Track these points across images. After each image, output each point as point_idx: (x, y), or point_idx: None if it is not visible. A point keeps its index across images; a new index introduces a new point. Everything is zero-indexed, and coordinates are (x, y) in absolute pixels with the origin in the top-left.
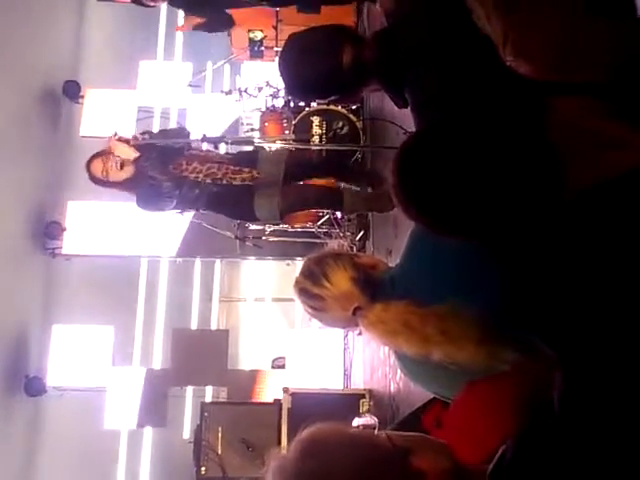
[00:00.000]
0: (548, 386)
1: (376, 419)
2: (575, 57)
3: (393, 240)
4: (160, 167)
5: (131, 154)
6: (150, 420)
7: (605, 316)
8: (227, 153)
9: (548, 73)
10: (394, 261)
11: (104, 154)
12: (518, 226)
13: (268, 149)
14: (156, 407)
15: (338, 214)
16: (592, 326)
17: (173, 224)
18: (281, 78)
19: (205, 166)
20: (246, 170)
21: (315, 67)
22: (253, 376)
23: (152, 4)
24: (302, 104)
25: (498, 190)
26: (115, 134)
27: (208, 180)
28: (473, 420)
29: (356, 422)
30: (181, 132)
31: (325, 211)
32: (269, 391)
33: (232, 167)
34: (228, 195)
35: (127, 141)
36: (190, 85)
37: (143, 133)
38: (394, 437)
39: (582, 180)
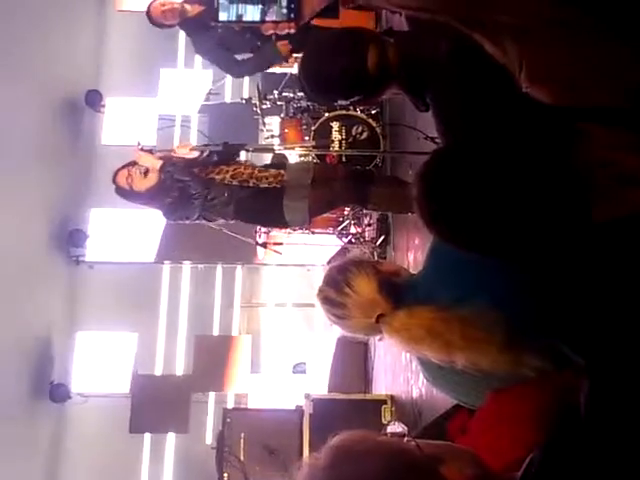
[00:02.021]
0: (574, 393)
1: (405, 427)
2: (589, 81)
3: (414, 245)
4: (186, 169)
5: (156, 163)
6: (172, 426)
7: (630, 325)
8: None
9: (564, 98)
10: (416, 267)
11: (130, 165)
12: (539, 247)
13: (295, 159)
14: (179, 413)
15: (359, 219)
16: (618, 334)
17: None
18: (303, 78)
19: (231, 167)
20: (273, 171)
21: (339, 66)
22: (274, 381)
23: (167, 23)
24: (322, 108)
25: (521, 214)
26: (138, 144)
27: (235, 182)
28: (497, 429)
29: (385, 430)
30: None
31: (346, 214)
32: (291, 397)
33: (259, 167)
34: (257, 199)
35: (150, 151)
36: (210, 93)
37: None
38: (424, 446)
39: (603, 211)
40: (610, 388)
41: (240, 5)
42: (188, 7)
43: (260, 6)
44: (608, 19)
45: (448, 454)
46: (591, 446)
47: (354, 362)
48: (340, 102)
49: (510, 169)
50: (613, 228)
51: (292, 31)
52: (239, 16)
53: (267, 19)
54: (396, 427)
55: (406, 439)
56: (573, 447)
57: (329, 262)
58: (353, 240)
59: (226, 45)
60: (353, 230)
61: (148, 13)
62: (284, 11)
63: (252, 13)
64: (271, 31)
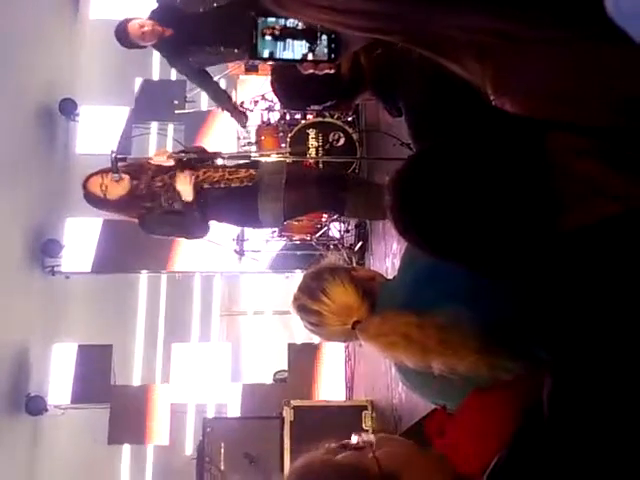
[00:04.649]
0: (540, 391)
1: (370, 438)
2: (554, 92)
3: (392, 251)
4: (155, 179)
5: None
6: (151, 437)
7: (594, 323)
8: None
9: (534, 110)
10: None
11: (103, 171)
12: (512, 254)
13: (268, 162)
14: (158, 423)
15: (336, 225)
16: (581, 332)
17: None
18: (276, 83)
19: (201, 171)
20: (243, 171)
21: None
22: (254, 390)
23: (142, 45)
24: (298, 116)
25: (492, 222)
26: (112, 152)
27: (206, 185)
28: (476, 429)
29: (349, 441)
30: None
31: (324, 221)
32: (270, 405)
33: (229, 168)
34: (230, 200)
35: (124, 159)
36: (186, 101)
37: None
38: (383, 459)
39: (571, 220)
40: (572, 384)
41: (287, 42)
42: (159, 28)
43: (306, 43)
44: (571, 31)
45: (410, 466)
46: (553, 442)
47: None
48: (313, 107)
49: (481, 177)
50: (581, 236)
51: (332, 71)
52: (282, 53)
53: (307, 58)
54: (361, 437)
55: (365, 449)
56: (536, 444)
57: (305, 269)
58: (331, 246)
59: (203, 64)
60: (332, 233)
61: (123, 32)
62: (325, 50)
63: (298, 50)
64: (310, 70)
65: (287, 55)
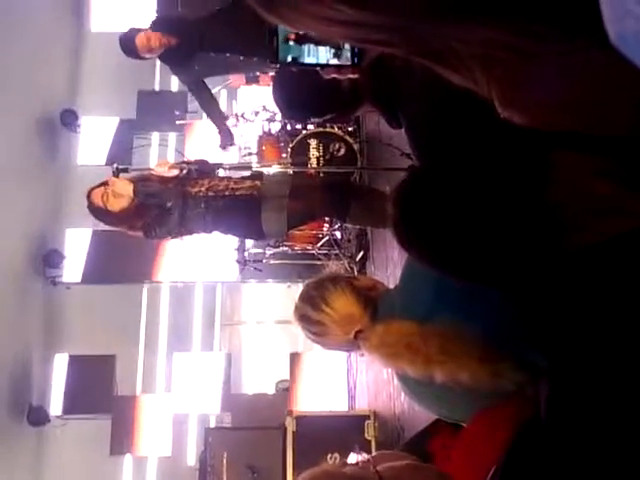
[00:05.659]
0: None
1: (366, 455)
2: (578, 105)
3: (393, 261)
4: (159, 186)
5: (129, 189)
6: (154, 448)
7: (591, 331)
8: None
9: (544, 122)
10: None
11: (106, 183)
12: (513, 269)
13: (271, 173)
14: (160, 434)
15: (337, 234)
16: (579, 340)
17: (171, 249)
18: (277, 96)
19: (206, 180)
20: (248, 182)
21: (313, 84)
22: (257, 400)
23: (148, 56)
24: (299, 127)
25: (494, 239)
26: (114, 165)
27: (211, 194)
28: (478, 448)
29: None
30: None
31: (325, 231)
32: (273, 415)
33: (234, 179)
34: (234, 210)
35: (126, 169)
36: (187, 112)
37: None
38: (384, 471)
39: (576, 240)
40: (570, 388)
41: (311, 47)
42: (165, 40)
43: (331, 49)
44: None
45: (410, 476)
46: (550, 446)
47: None
48: (314, 120)
49: (483, 192)
50: (586, 255)
51: (355, 76)
52: (306, 58)
53: (330, 63)
54: (360, 456)
55: (366, 465)
56: (534, 449)
57: (307, 278)
58: (333, 256)
59: (208, 73)
60: (336, 235)
61: (131, 44)
62: (349, 55)
63: (322, 55)
64: (333, 75)
65: (311, 60)
